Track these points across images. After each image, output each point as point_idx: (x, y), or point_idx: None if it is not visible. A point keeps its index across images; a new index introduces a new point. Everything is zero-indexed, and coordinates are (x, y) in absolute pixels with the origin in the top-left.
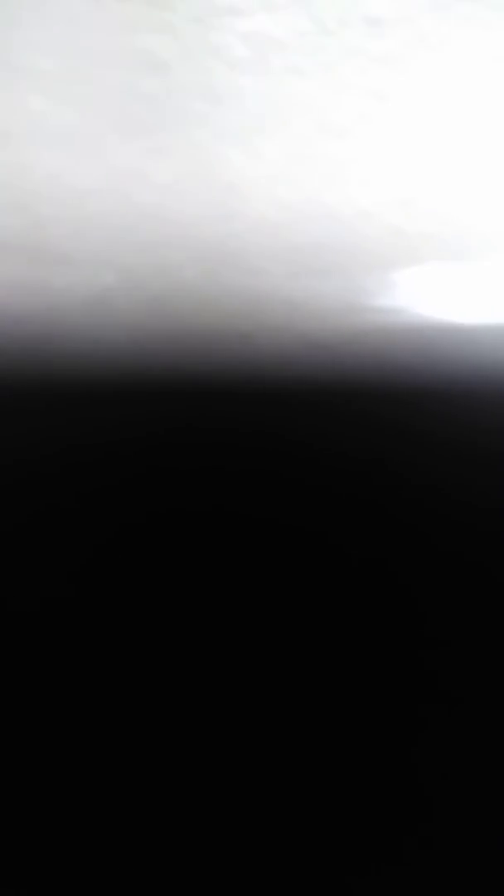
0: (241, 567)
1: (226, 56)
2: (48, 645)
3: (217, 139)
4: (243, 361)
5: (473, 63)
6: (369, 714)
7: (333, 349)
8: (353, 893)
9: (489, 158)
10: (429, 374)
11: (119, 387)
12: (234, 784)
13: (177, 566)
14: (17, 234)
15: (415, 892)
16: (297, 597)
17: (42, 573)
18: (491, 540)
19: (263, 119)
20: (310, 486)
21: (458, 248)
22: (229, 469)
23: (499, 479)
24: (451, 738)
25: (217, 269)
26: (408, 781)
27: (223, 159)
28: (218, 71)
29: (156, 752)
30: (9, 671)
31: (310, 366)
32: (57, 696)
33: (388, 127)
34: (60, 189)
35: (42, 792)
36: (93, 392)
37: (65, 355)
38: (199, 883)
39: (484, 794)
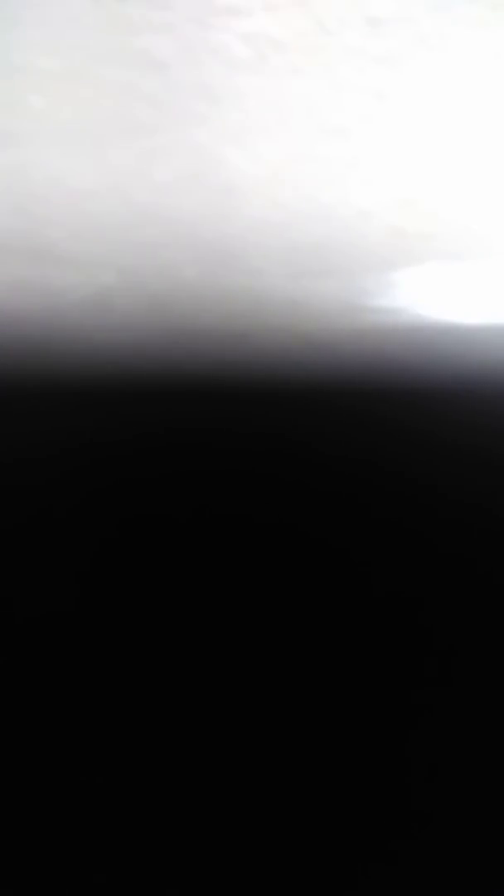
0: (242, 568)
1: (226, 56)
2: (48, 646)
3: (217, 139)
4: (243, 361)
5: (473, 63)
6: (370, 716)
7: (333, 349)
8: (353, 891)
9: (489, 158)
10: (429, 374)
11: (119, 387)
12: (234, 785)
13: (177, 567)
14: (17, 235)
15: (415, 891)
16: (297, 598)
17: (42, 574)
18: (491, 540)
19: (263, 119)
20: (309, 486)
21: (458, 248)
22: (229, 469)
23: (499, 480)
24: (453, 740)
25: (217, 269)
26: (408, 784)
27: (223, 159)
28: (218, 71)
29: (156, 751)
30: (8, 671)
31: (310, 366)
32: (57, 695)
33: (388, 127)
34: (60, 189)
35: (43, 792)
36: (93, 392)
37: (65, 355)
38: (199, 881)
39: (485, 796)
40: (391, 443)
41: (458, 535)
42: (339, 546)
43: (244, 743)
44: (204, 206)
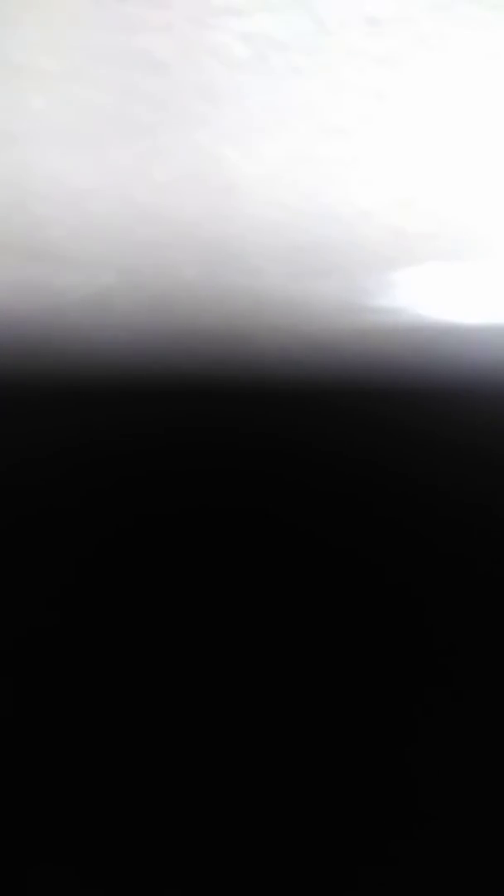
0: (242, 568)
1: (226, 56)
2: (48, 646)
3: (217, 139)
4: (243, 361)
5: (473, 63)
6: (370, 717)
7: (333, 349)
8: (354, 892)
9: (489, 158)
10: (429, 374)
11: (119, 387)
12: (234, 788)
13: (177, 567)
14: (17, 234)
15: (414, 892)
16: (298, 598)
17: (42, 574)
18: (491, 540)
19: (263, 119)
20: (310, 486)
21: (458, 248)
22: (229, 469)
23: (499, 480)
24: (453, 741)
25: (217, 269)
26: (407, 786)
27: (223, 159)
28: (218, 71)
29: (156, 754)
30: (8, 671)
31: (310, 366)
32: (58, 694)
33: (388, 127)
34: (60, 189)
35: (44, 792)
36: (93, 392)
37: (65, 355)
38: (199, 883)
39: (485, 798)
40: (391, 442)
41: (457, 534)
42: (338, 544)
43: (244, 744)
44: (204, 205)
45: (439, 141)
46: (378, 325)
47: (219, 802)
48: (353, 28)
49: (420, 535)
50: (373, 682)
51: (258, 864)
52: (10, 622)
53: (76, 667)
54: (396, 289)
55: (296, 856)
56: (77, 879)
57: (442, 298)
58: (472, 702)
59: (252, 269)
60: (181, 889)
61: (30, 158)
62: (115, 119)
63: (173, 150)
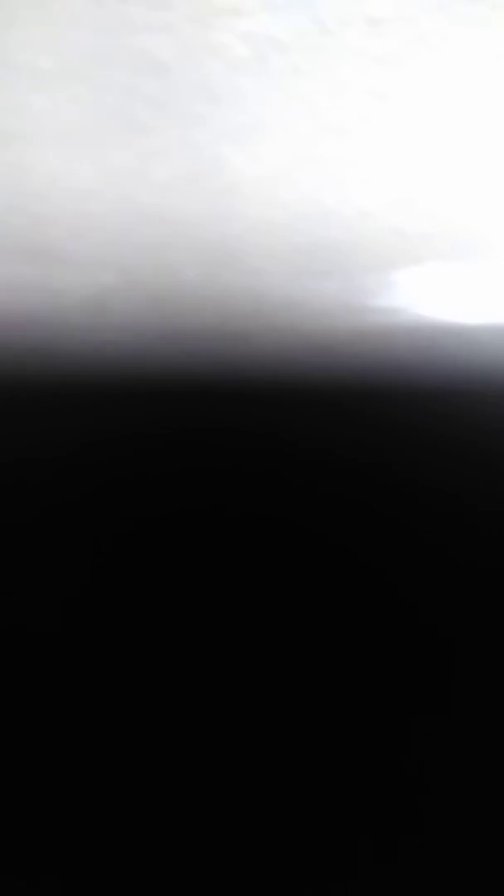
0: (242, 568)
1: (226, 56)
2: (50, 646)
3: (217, 139)
4: (243, 361)
5: (473, 63)
6: (369, 717)
7: (333, 349)
8: (352, 894)
9: (489, 158)
10: (429, 374)
11: (119, 387)
12: (234, 789)
13: (177, 566)
14: (17, 235)
15: (414, 892)
16: (298, 598)
17: (42, 574)
18: (491, 541)
19: (263, 119)
20: (310, 486)
21: (458, 248)
22: (229, 469)
23: (499, 480)
24: (453, 742)
25: (217, 269)
26: (407, 787)
27: (223, 159)
28: (218, 71)
29: (155, 754)
30: (9, 671)
31: (310, 366)
32: (58, 695)
33: (388, 127)
34: (60, 189)
35: (43, 795)
36: (93, 392)
37: (65, 355)
38: (198, 883)
39: (484, 799)
40: (391, 442)
41: (457, 534)
42: (338, 543)
43: (246, 744)
44: (204, 206)
45: (439, 141)
46: (378, 325)
47: (221, 804)
48: (353, 28)
49: (420, 535)
50: (373, 682)
51: (259, 865)
52: (9, 623)
53: (76, 668)
54: (396, 289)
55: (297, 856)
56: (77, 879)
57: (442, 298)
58: (473, 701)
59: (252, 269)
60: (181, 889)
61: (29, 158)
62: (115, 119)
63: (173, 150)
